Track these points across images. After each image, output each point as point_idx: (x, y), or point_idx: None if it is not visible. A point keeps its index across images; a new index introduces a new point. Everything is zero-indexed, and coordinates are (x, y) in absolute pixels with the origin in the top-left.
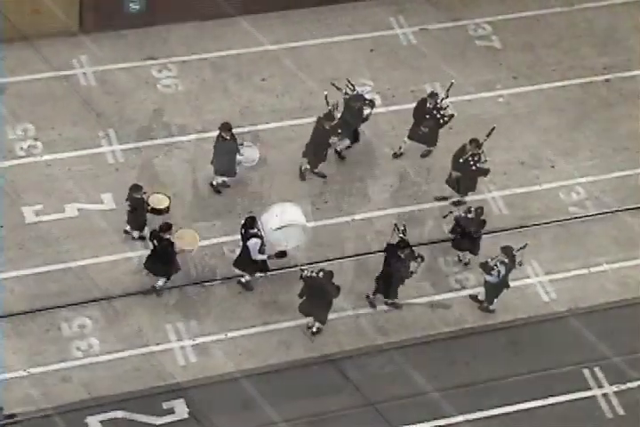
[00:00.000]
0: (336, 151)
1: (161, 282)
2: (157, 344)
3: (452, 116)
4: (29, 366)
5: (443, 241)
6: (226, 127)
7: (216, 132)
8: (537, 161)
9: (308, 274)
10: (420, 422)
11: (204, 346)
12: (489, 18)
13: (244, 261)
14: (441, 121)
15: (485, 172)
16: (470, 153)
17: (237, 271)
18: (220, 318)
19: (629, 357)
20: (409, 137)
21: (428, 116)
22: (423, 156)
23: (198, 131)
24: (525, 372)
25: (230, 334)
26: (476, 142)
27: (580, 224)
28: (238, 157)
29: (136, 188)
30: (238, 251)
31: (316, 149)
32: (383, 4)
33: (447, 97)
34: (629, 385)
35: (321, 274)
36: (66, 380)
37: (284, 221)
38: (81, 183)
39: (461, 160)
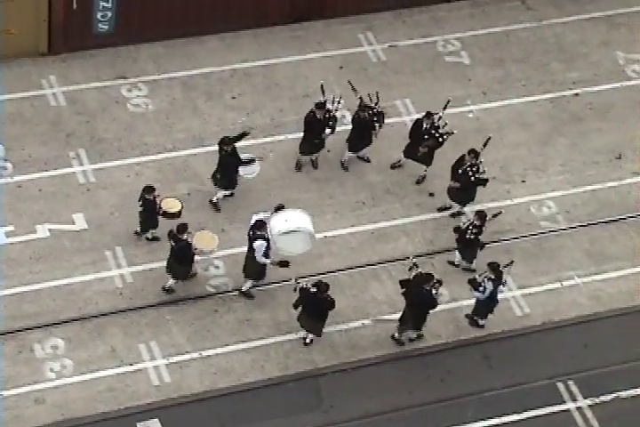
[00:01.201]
0: (342, 163)
1: (171, 282)
2: (131, 364)
3: (450, 133)
4: (2, 388)
5: (419, 256)
6: (225, 142)
7: (187, 151)
8: (508, 176)
9: (304, 286)
10: None
11: (178, 365)
12: (458, 34)
13: (251, 267)
14: (440, 139)
15: (484, 182)
16: (469, 164)
17: (247, 284)
18: (194, 336)
19: (603, 370)
20: (405, 155)
21: (426, 137)
22: (418, 182)
23: (169, 149)
24: (500, 386)
25: (204, 353)
26: (474, 153)
27: (551, 238)
28: (240, 169)
29: (148, 189)
30: (212, 269)
31: (308, 139)
32: (352, 22)
33: (444, 112)
34: (603, 398)
35: (316, 288)
36: (39, 402)
37: (292, 227)
38: (52, 204)
39: (460, 171)
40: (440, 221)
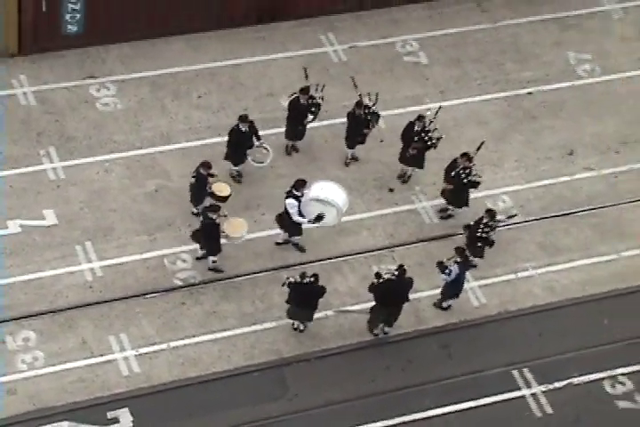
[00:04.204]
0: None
1: (212, 258)
2: (101, 355)
3: (439, 138)
4: None
5: (380, 249)
6: (242, 119)
7: (155, 148)
8: None
9: (293, 280)
10: (359, 424)
11: (148, 356)
12: (416, 35)
13: (283, 220)
14: (429, 143)
15: (476, 184)
16: (462, 166)
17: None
18: (163, 328)
19: (556, 358)
20: (400, 160)
21: (416, 139)
22: (404, 181)
23: (137, 147)
24: (458, 374)
25: (173, 344)
26: (467, 156)
27: (506, 232)
28: (249, 157)
29: (204, 164)
30: (179, 262)
31: (291, 124)
32: (314, 23)
33: (435, 118)
34: (556, 385)
35: (307, 279)
36: (11, 392)
37: (324, 197)
38: (23, 200)
39: (453, 173)
40: (400, 216)
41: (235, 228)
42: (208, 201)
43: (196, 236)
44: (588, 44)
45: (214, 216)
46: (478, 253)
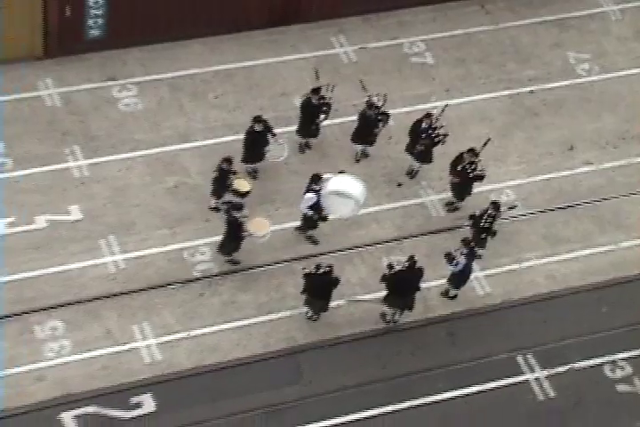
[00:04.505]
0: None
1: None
2: (125, 344)
3: (445, 135)
4: (5, 367)
5: (389, 241)
6: (257, 120)
7: (174, 146)
8: None
9: (309, 271)
10: (371, 408)
11: (169, 344)
12: (422, 36)
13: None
14: (436, 140)
15: (481, 178)
16: (468, 161)
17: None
18: (183, 317)
19: (558, 344)
20: (406, 150)
21: (423, 136)
22: (412, 176)
23: (157, 145)
24: (464, 360)
25: (193, 333)
26: (472, 151)
27: (510, 224)
28: (267, 152)
29: (226, 160)
30: (198, 255)
31: (304, 123)
32: (325, 26)
33: (442, 115)
34: (558, 370)
35: (321, 270)
36: (40, 379)
37: (340, 188)
38: (49, 196)
39: (459, 168)
40: (408, 209)
41: (258, 227)
42: (228, 196)
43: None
44: (587, 45)
45: (238, 215)
46: (482, 243)
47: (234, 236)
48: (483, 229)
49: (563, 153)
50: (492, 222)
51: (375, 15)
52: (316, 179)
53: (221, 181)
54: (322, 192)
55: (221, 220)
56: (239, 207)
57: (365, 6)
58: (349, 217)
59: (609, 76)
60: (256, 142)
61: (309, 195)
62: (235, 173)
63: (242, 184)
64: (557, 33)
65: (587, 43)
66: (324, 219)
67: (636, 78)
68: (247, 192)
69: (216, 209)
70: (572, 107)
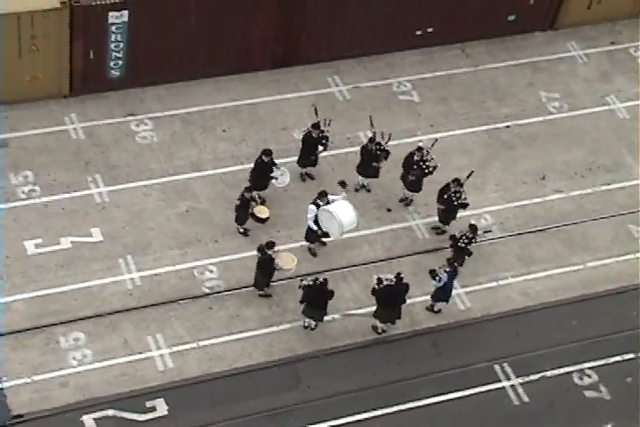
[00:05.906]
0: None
1: (262, 291)
2: (140, 353)
3: (435, 167)
4: (33, 373)
5: (379, 261)
6: (266, 153)
7: (186, 175)
8: None
9: (307, 283)
10: (363, 411)
11: (180, 353)
12: (409, 77)
13: (307, 232)
14: (426, 171)
15: (465, 206)
16: (453, 190)
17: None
18: (193, 329)
19: (532, 354)
20: (401, 179)
21: (415, 167)
22: (407, 204)
23: (171, 174)
24: (447, 368)
25: (201, 343)
26: (457, 181)
27: (488, 245)
28: (273, 179)
29: (248, 189)
30: (207, 273)
31: (304, 154)
32: (322, 67)
33: (432, 148)
34: (532, 377)
35: (318, 282)
36: (64, 385)
37: (333, 210)
38: (73, 220)
39: (445, 196)
40: (396, 232)
41: (287, 261)
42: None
43: (257, 277)
44: (557, 85)
45: (270, 252)
46: (460, 262)
47: (266, 271)
48: (460, 248)
49: (536, 182)
50: (468, 243)
51: (367, 58)
52: (323, 194)
53: (242, 208)
54: (321, 207)
55: (229, 242)
56: (271, 245)
57: (358, 50)
58: (336, 238)
59: (576, 113)
60: (263, 172)
61: (312, 206)
62: (256, 200)
63: (262, 210)
64: (531, 74)
65: (557, 83)
66: (326, 235)
67: (600, 115)
68: (267, 218)
69: (244, 233)
70: (544, 140)
